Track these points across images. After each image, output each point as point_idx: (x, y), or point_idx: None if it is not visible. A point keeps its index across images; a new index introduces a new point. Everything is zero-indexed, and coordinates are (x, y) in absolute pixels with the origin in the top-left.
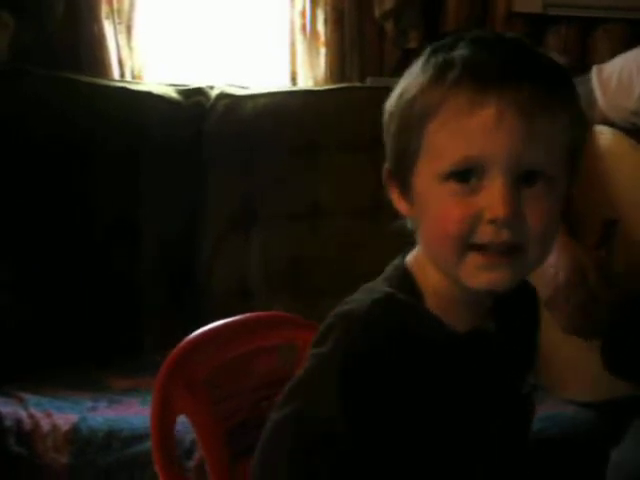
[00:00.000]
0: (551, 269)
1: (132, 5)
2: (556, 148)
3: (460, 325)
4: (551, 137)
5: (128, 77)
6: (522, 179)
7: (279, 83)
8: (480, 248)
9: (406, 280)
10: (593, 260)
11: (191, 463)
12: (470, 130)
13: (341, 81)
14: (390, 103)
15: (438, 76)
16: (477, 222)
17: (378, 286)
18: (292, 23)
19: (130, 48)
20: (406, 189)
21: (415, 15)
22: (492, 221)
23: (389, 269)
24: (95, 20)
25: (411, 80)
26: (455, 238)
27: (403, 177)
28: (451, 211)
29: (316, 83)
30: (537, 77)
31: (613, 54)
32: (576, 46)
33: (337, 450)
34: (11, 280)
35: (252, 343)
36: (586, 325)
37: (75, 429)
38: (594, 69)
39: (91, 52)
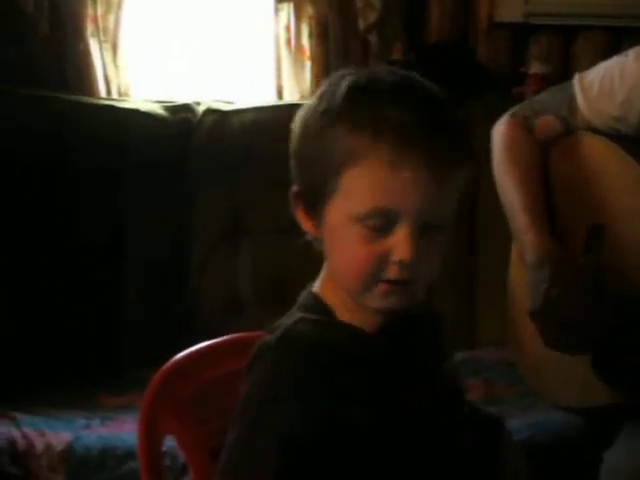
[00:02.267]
0: (544, 283)
1: (117, 23)
2: (455, 200)
3: (374, 327)
4: (454, 193)
5: (114, 95)
6: (425, 228)
7: (265, 98)
8: (384, 281)
9: (316, 302)
10: (584, 269)
11: (187, 479)
12: (389, 186)
13: None
14: (307, 128)
15: (360, 128)
16: (383, 261)
17: (293, 314)
18: (277, 38)
19: (116, 66)
20: (315, 214)
21: (398, 27)
22: (398, 262)
23: (301, 298)
24: (80, 38)
25: (333, 117)
26: (363, 275)
27: (313, 204)
28: (360, 251)
29: (302, 97)
30: (449, 137)
31: (594, 61)
32: (558, 54)
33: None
34: None
35: (237, 363)
36: (567, 343)
37: (70, 448)
38: (576, 76)
39: (77, 71)
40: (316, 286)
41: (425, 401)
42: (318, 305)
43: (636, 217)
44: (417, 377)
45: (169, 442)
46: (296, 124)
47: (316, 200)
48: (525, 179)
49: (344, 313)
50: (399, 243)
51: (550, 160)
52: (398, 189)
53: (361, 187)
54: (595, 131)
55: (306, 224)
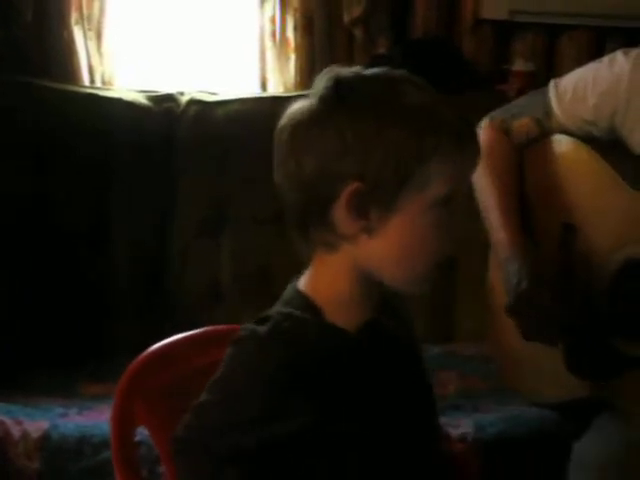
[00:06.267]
0: (514, 278)
1: (102, 11)
2: None
3: (355, 327)
4: None
5: (98, 83)
6: None
7: (249, 89)
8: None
9: (304, 300)
10: (553, 267)
11: (162, 468)
12: (459, 167)
13: (311, 87)
14: (371, 128)
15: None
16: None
17: (280, 309)
18: (262, 29)
19: (100, 54)
20: (376, 210)
21: (384, 21)
22: (456, 239)
23: (287, 294)
24: (65, 26)
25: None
26: (437, 257)
27: (379, 200)
28: (437, 233)
29: (286, 89)
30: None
31: (578, 60)
32: (542, 52)
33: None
34: None
35: (211, 356)
36: (544, 333)
37: (46, 436)
38: (552, 82)
39: (61, 58)
40: (303, 284)
41: (401, 394)
42: (306, 303)
43: (606, 217)
44: (395, 373)
45: (145, 432)
46: (355, 124)
47: (386, 194)
48: (499, 181)
49: (330, 313)
50: (457, 220)
51: (526, 161)
52: (466, 170)
53: (445, 173)
54: (569, 134)
55: (351, 224)
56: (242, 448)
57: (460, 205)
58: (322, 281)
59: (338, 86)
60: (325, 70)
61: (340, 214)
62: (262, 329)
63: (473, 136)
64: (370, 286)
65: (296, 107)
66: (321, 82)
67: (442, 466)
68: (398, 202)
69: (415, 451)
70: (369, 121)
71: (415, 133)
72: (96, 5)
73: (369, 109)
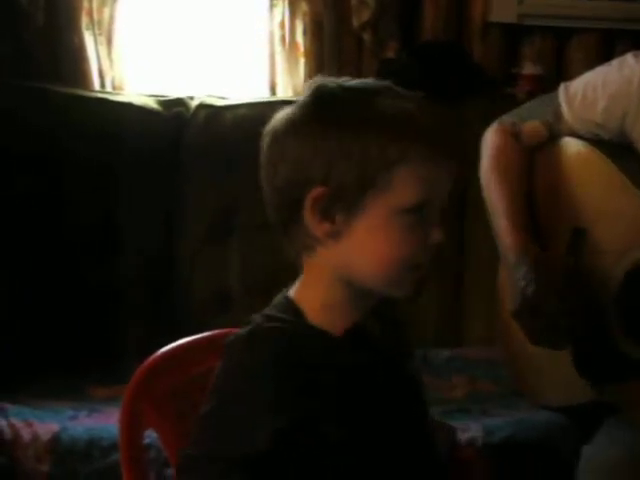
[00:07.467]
0: (522, 282)
1: (112, 16)
2: None
3: (340, 331)
4: None
5: (108, 88)
6: None
7: (259, 93)
8: (418, 266)
9: (288, 304)
10: (562, 269)
11: (170, 471)
12: (432, 177)
13: None
14: (344, 133)
15: (400, 132)
16: (422, 247)
17: (264, 312)
18: (271, 34)
19: (110, 59)
20: (341, 214)
21: (393, 25)
22: (435, 245)
23: (274, 300)
24: (75, 31)
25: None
26: (407, 261)
27: (343, 204)
28: (406, 238)
29: (295, 93)
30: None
31: (587, 63)
32: (551, 56)
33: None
34: None
35: (218, 359)
36: (550, 337)
37: (56, 438)
38: (562, 86)
39: (71, 63)
40: (292, 290)
41: (388, 398)
42: (289, 306)
43: (616, 220)
44: (380, 376)
45: (154, 434)
46: (324, 130)
47: (350, 199)
48: (508, 185)
49: (313, 317)
50: (435, 227)
51: (535, 165)
52: (438, 179)
53: (411, 181)
54: (579, 137)
55: (318, 227)
56: (246, 450)
57: (436, 214)
58: (308, 285)
59: (318, 95)
60: (311, 80)
61: (308, 217)
62: (243, 331)
63: (446, 147)
64: (354, 289)
65: (279, 115)
66: (305, 92)
67: (437, 470)
68: (362, 207)
69: (405, 455)
70: (335, 128)
71: (378, 140)
72: (106, 10)
73: (338, 117)
